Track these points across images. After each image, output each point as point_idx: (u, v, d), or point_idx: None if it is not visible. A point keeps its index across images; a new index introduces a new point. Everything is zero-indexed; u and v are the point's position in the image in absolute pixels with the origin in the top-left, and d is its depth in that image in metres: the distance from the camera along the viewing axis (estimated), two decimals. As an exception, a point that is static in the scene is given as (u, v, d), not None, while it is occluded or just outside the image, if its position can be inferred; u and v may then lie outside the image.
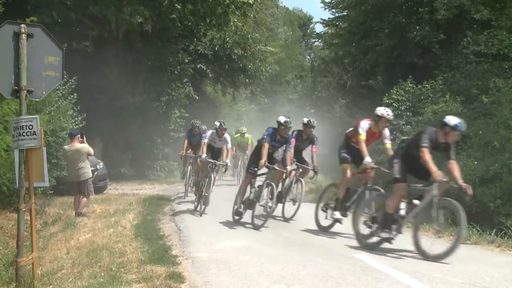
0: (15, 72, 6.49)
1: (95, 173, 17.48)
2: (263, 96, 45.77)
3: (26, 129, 6.51)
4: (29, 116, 6.68)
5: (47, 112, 14.90)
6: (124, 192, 19.56)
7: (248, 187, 12.37)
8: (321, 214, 11.68)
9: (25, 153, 6.60)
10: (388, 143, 10.57)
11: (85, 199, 13.65)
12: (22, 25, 6.52)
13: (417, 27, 24.15)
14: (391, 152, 10.29)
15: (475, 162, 13.72)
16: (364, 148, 10.38)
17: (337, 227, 11.23)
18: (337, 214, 11.10)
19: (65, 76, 16.43)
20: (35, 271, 6.92)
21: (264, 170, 12.10)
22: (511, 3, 20.80)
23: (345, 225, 10.82)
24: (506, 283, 7.27)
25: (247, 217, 12.04)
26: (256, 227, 11.47)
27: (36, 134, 6.52)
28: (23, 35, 6.47)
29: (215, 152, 14.61)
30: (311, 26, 70.17)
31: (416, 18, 24.63)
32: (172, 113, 27.72)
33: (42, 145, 6.65)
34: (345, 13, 31.00)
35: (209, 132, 14.83)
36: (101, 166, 19.12)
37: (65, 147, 13.88)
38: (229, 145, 14.83)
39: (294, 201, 13.09)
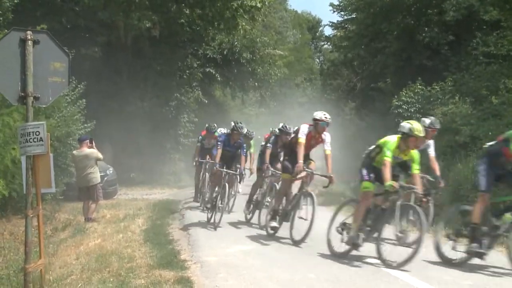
0: (21, 79, 6.50)
1: (105, 178, 17.54)
2: (273, 100, 45.71)
3: (33, 135, 6.52)
4: (36, 122, 6.69)
5: (56, 118, 14.95)
6: (134, 197, 19.60)
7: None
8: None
9: (32, 160, 6.61)
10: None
11: (94, 204, 13.70)
12: (28, 32, 6.53)
13: (426, 28, 24.06)
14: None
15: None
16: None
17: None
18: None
19: (74, 82, 16.55)
20: (43, 277, 6.93)
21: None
22: (521, 4, 20.68)
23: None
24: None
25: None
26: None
27: (43, 140, 6.53)
28: (29, 41, 6.48)
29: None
30: (320, 29, 70.05)
31: (425, 19, 24.55)
32: (182, 117, 27.71)
33: (49, 151, 6.66)
34: (354, 16, 30.90)
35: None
36: (111, 172, 19.18)
37: (74, 152, 13.92)
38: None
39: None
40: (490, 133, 14.79)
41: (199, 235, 11.17)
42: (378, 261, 8.56)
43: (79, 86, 17.41)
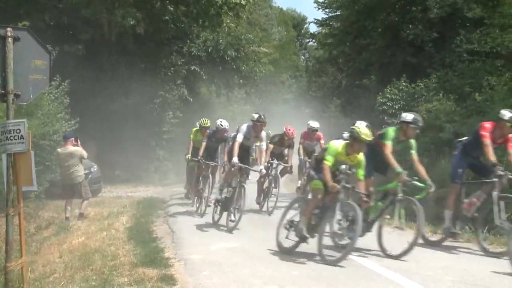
0: (1, 76, 6.41)
1: (89, 176, 17.43)
2: (258, 97, 45.69)
3: (13, 133, 6.44)
4: (17, 120, 6.62)
5: (39, 115, 14.85)
6: (118, 195, 19.52)
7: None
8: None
9: (13, 157, 6.55)
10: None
11: (86, 201, 13.64)
12: (8, 29, 6.45)
13: (410, 26, 24.18)
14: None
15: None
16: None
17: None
18: None
19: (58, 80, 16.43)
20: (24, 275, 6.88)
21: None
22: (503, 1, 20.85)
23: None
24: (497, 280, 7.27)
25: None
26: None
27: (23, 138, 6.46)
28: (9, 38, 6.40)
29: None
30: (305, 26, 70.22)
31: (409, 17, 24.66)
32: (166, 115, 27.65)
33: (30, 149, 6.60)
34: (339, 13, 31.02)
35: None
36: (95, 169, 19.03)
37: (59, 149, 13.81)
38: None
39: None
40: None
41: (183, 232, 11.15)
42: (361, 258, 8.61)
43: (63, 83, 17.29)
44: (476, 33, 21.06)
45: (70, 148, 13.44)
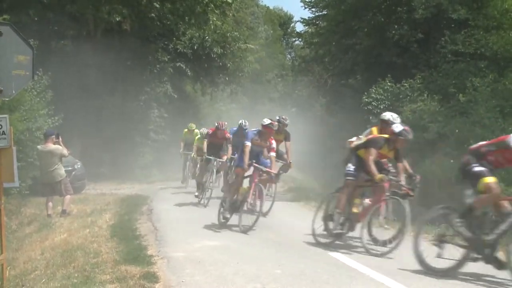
0: (-16, 72, 6.40)
1: (73, 173, 17.32)
2: (244, 95, 45.68)
3: (-5, 128, 6.42)
4: (-2, 116, 6.59)
5: (22, 111, 14.70)
6: (103, 192, 19.41)
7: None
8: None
9: (-6, 153, 6.51)
10: None
11: (68, 196, 13.50)
12: (-9, 24, 6.43)
13: (396, 26, 24.26)
14: None
15: (452, 161, 13.85)
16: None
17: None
18: None
19: (39, 74, 16.28)
20: (4, 272, 6.83)
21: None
22: (488, 3, 21.01)
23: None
24: (478, 279, 7.31)
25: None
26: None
27: (5, 134, 6.42)
28: (-8, 33, 6.38)
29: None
30: (291, 25, 70.31)
31: (395, 17, 24.75)
32: (152, 112, 27.56)
33: (11, 145, 6.55)
34: (325, 12, 31.03)
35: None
36: (79, 166, 18.91)
37: (39, 147, 13.62)
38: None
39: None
40: (456, 131, 15.04)
41: (167, 230, 11.12)
42: (343, 256, 8.64)
43: (44, 76, 17.11)
44: (461, 34, 21.17)
45: (51, 146, 13.24)
